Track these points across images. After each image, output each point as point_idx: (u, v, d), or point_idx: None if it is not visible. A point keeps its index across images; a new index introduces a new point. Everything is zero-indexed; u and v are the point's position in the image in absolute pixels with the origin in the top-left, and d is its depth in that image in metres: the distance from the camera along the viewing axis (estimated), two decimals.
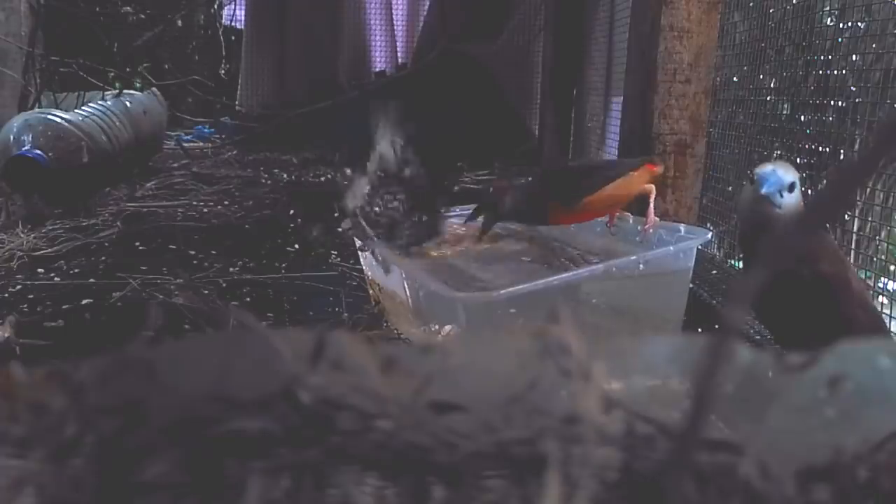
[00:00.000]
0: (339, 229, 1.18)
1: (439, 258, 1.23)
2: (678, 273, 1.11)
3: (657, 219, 1.18)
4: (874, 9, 1.19)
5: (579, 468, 0.27)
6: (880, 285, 1.17)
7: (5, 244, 1.58)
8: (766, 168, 0.81)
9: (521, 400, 0.30)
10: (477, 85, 3.32)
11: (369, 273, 1.24)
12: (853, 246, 1.24)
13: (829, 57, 1.31)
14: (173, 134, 3.16)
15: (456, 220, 1.35)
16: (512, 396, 0.30)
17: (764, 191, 0.78)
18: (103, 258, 1.54)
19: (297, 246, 1.67)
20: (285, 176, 2.67)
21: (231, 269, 1.47)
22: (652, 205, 1.18)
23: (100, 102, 2.34)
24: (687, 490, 0.27)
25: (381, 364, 0.30)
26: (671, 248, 1.10)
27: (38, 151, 1.84)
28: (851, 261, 1.25)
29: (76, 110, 2.18)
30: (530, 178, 1.22)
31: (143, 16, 3.27)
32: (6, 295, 1.29)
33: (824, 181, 1.28)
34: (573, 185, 1.15)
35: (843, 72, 1.28)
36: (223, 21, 3.67)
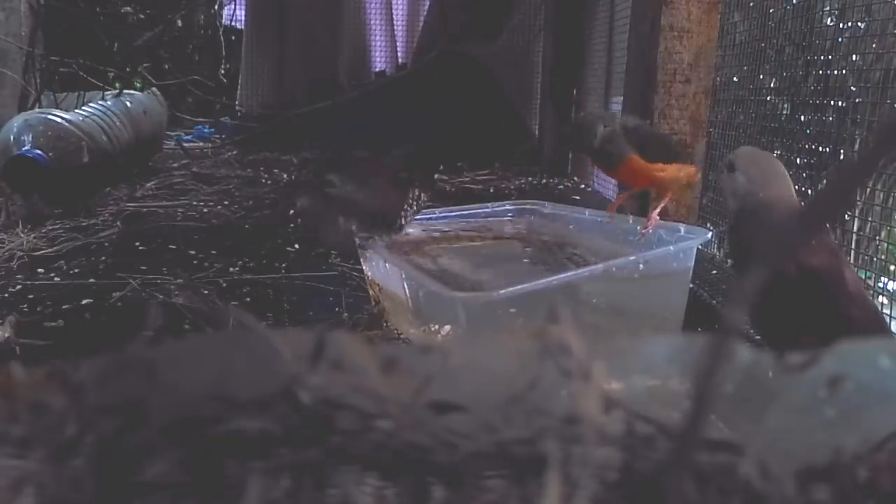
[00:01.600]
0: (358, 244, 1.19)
1: (438, 258, 1.24)
2: (678, 273, 1.11)
3: (658, 218, 1.17)
4: (874, 9, 1.19)
5: (579, 468, 0.27)
6: (880, 285, 1.17)
7: (5, 244, 1.58)
8: None
9: (521, 400, 0.30)
10: (477, 85, 3.32)
11: (369, 273, 1.24)
12: (853, 246, 1.24)
13: (829, 57, 1.31)
14: (173, 134, 3.16)
15: (455, 220, 1.35)
16: (512, 396, 0.30)
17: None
18: (103, 258, 1.53)
19: (297, 246, 1.67)
20: (285, 176, 2.67)
21: (231, 269, 1.47)
22: (660, 207, 1.17)
23: (100, 102, 2.34)
24: (687, 490, 0.27)
25: (381, 364, 0.30)
26: (671, 248, 1.10)
27: (38, 151, 1.84)
28: (851, 261, 1.25)
29: (76, 110, 2.18)
30: (625, 123, 1.20)
31: (143, 16, 3.27)
32: (6, 295, 1.29)
33: (824, 181, 1.28)
34: (659, 147, 1.17)
35: (843, 72, 1.28)
36: (223, 21, 3.67)
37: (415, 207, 1.16)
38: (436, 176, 1.19)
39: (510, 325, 0.90)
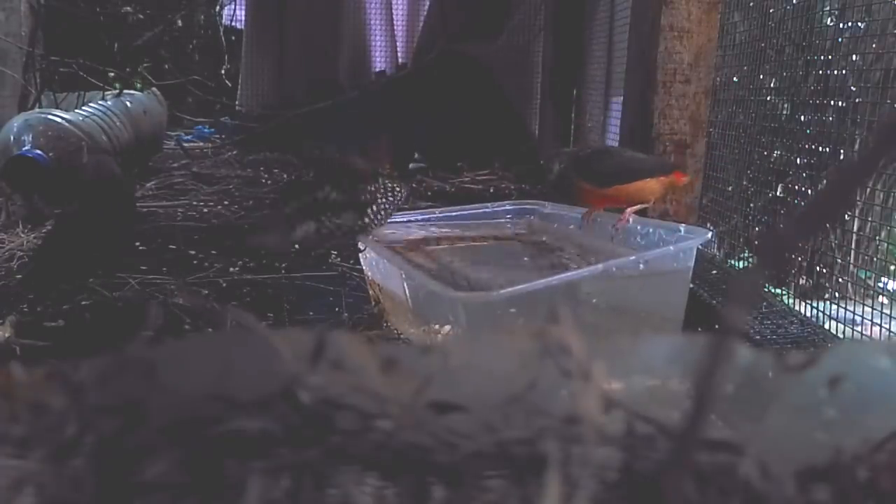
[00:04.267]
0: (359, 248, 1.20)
1: (438, 258, 1.23)
2: (678, 273, 1.11)
3: (632, 215, 1.20)
4: (874, 9, 1.19)
5: (579, 468, 0.27)
6: (880, 285, 1.17)
7: (5, 244, 1.58)
8: None
9: (521, 400, 0.30)
10: (477, 85, 3.32)
11: (369, 273, 1.24)
12: (853, 246, 1.24)
13: (829, 57, 1.31)
14: (173, 134, 3.16)
15: (455, 220, 1.35)
16: (512, 396, 0.30)
17: None
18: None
19: (297, 246, 1.67)
20: (285, 176, 2.67)
21: (231, 269, 1.47)
22: (636, 208, 1.19)
23: (100, 102, 2.34)
24: (687, 490, 0.27)
25: (381, 364, 0.30)
26: (671, 248, 1.10)
27: (38, 151, 1.83)
28: (851, 261, 1.25)
29: (76, 110, 2.18)
30: (568, 156, 1.23)
31: (142, 16, 3.27)
32: (8, 296, 1.29)
33: (824, 181, 1.28)
34: (609, 170, 1.20)
35: (843, 72, 1.28)
36: (223, 21, 3.67)
37: (391, 199, 1.16)
38: (411, 165, 1.21)
39: (510, 325, 0.90)
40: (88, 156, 1.35)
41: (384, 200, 1.15)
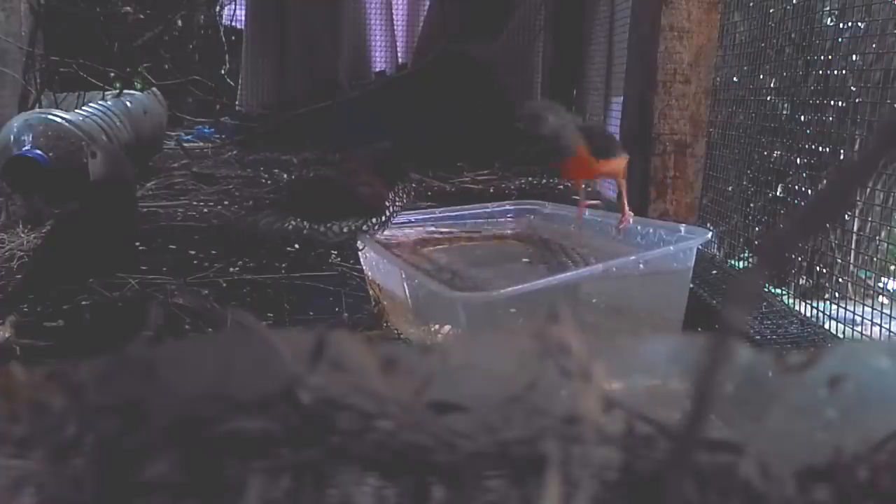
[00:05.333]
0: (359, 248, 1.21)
1: (438, 258, 1.24)
2: (678, 273, 1.11)
3: (631, 220, 1.20)
4: (874, 9, 1.19)
5: (579, 468, 0.27)
6: (880, 285, 1.17)
7: (5, 244, 1.58)
8: None
9: (521, 400, 0.30)
10: (477, 85, 3.32)
11: (369, 273, 1.24)
12: (853, 246, 1.24)
13: (829, 57, 1.31)
14: (173, 134, 3.16)
15: (455, 220, 1.35)
16: (512, 396, 0.30)
17: None
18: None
19: (297, 246, 1.67)
20: (285, 176, 2.67)
21: (231, 269, 1.47)
22: (626, 200, 1.20)
23: (100, 102, 2.34)
24: (687, 490, 0.27)
25: (381, 364, 0.30)
26: (671, 248, 1.10)
27: (38, 151, 1.84)
28: (851, 261, 1.25)
29: (76, 110, 2.18)
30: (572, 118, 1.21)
31: (142, 16, 3.27)
32: (6, 295, 1.29)
33: (824, 181, 1.28)
34: (607, 142, 1.19)
35: (843, 72, 1.28)
36: (223, 21, 3.67)
37: (402, 201, 1.17)
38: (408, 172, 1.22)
39: (510, 325, 0.90)
40: (99, 148, 1.36)
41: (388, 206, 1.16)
